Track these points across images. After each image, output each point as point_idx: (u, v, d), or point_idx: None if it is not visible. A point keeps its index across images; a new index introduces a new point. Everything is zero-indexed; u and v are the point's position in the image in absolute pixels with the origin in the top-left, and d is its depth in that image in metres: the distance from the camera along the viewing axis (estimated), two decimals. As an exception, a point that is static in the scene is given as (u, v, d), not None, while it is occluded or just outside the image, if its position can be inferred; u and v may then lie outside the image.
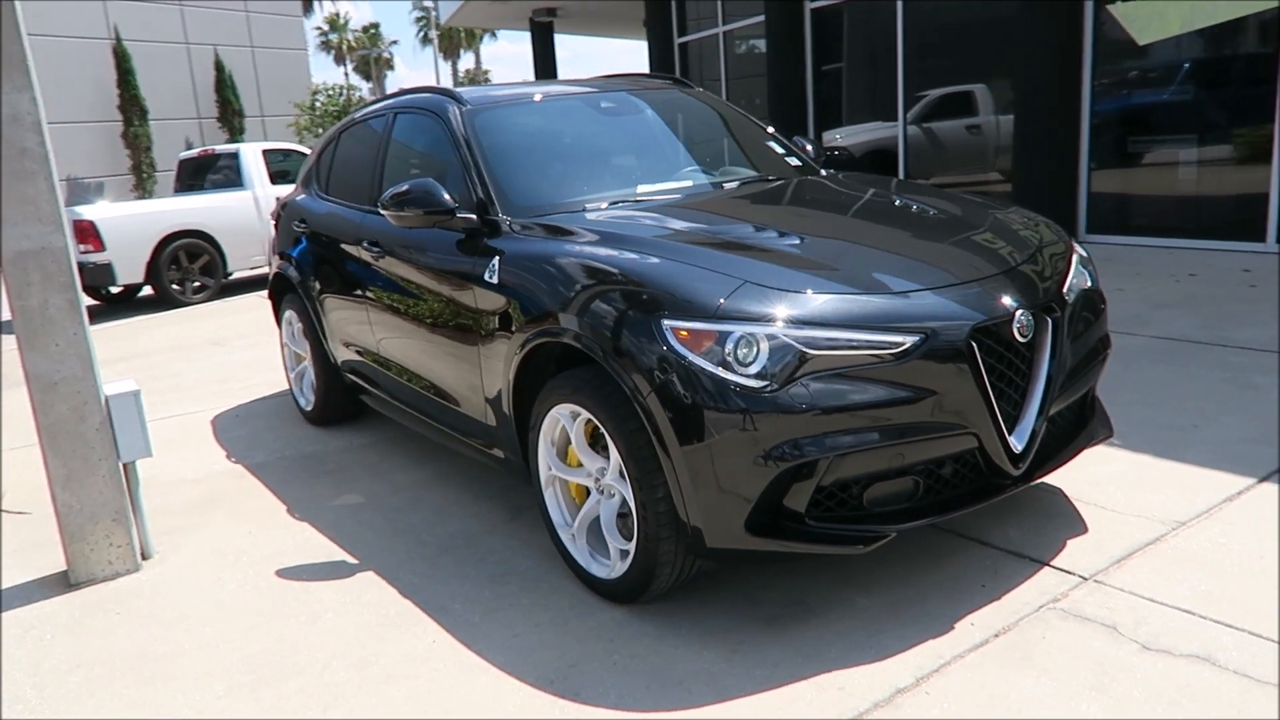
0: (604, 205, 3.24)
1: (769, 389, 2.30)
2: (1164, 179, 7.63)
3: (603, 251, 2.74)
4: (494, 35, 53.50)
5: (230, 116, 25.51)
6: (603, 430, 2.63)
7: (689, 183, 3.59)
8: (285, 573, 3.21)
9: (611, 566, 2.73)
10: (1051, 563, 2.75)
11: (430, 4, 49.35)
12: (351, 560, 3.26)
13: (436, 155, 3.70)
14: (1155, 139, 7.66)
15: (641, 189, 3.46)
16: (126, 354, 7.50)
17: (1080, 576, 2.66)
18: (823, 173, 3.92)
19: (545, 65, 23.06)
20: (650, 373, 2.39)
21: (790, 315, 2.37)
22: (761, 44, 12.16)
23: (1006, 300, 2.54)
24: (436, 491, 3.80)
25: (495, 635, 2.67)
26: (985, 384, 2.44)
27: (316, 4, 53.17)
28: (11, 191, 3.00)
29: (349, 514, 3.65)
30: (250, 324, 8.29)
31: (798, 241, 2.80)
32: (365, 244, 3.83)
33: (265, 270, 11.27)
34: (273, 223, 5.18)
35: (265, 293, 5.30)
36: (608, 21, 24.70)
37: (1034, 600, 2.57)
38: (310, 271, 4.44)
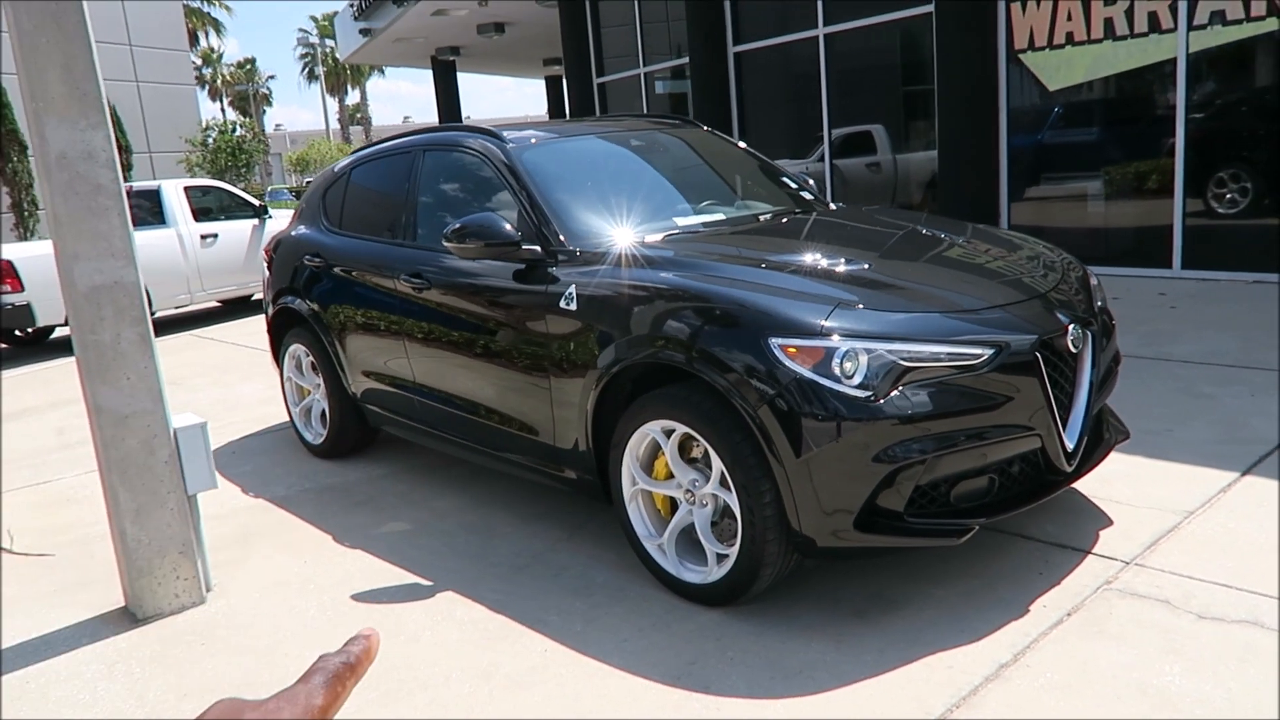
0: (659, 236, 3.46)
1: (872, 399, 2.56)
2: (1077, 211, 8.32)
3: (687, 276, 2.95)
4: (381, 72, 53.06)
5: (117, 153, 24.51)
6: (701, 443, 2.84)
7: (722, 215, 3.85)
8: (361, 597, 3.27)
9: (707, 572, 2.92)
10: (1093, 551, 3.08)
11: (316, 40, 48.72)
12: (425, 582, 3.34)
13: (480, 190, 3.85)
14: (1067, 175, 8.35)
15: (683, 220, 3.70)
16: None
17: (1122, 561, 3.00)
18: (832, 205, 4.24)
19: (448, 103, 23.14)
20: (761, 387, 2.62)
21: (884, 332, 2.63)
22: (680, 85, 12.62)
23: (1060, 315, 2.87)
24: (483, 515, 3.90)
25: (604, 642, 2.82)
26: (1048, 390, 2.76)
27: (201, 35, 51.67)
28: (86, 227, 3.01)
29: (402, 540, 3.72)
30: (199, 364, 8.10)
31: (866, 266, 3.09)
32: (403, 276, 3.93)
33: (186, 310, 11.03)
34: (266, 260, 5.18)
35: (264, 327, 5.27)
36: (509, 61, 25.00)
37: (1090, 583, 2.88)
38: (327, 305, 4.49)
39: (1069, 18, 7.80)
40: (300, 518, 4.07)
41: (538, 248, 3.37)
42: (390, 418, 4.35)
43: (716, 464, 2.79)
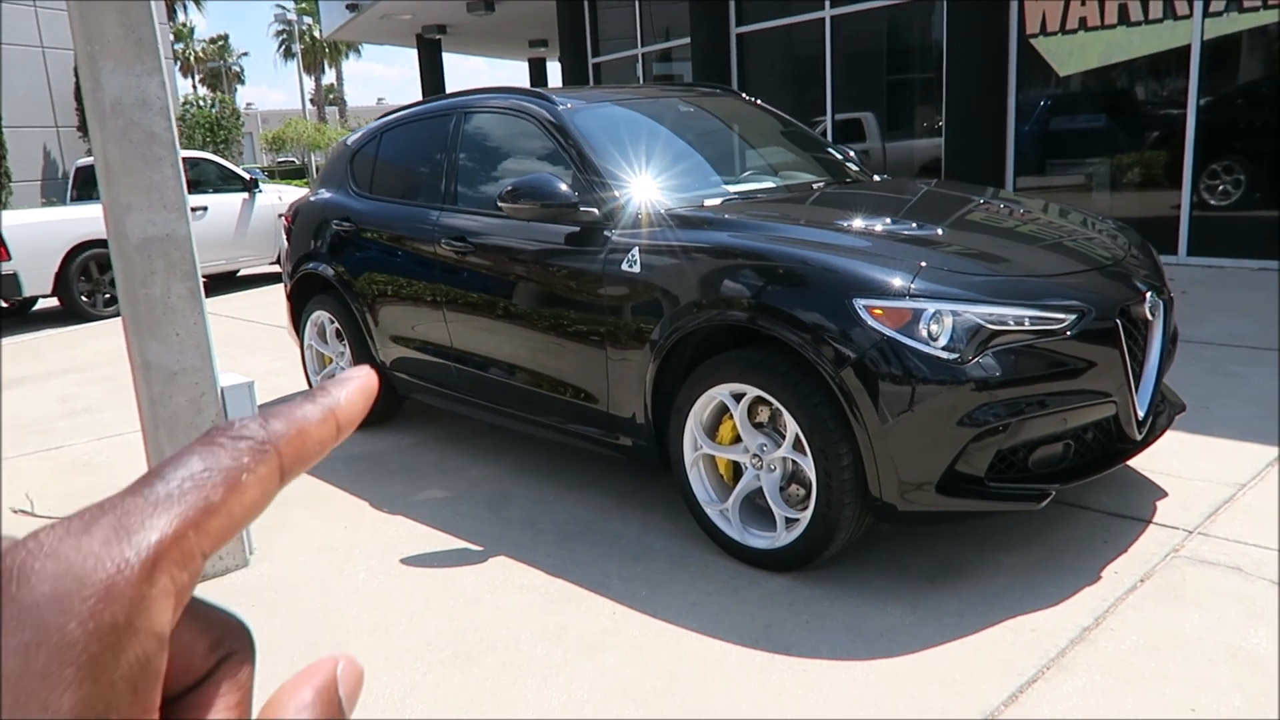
0: (718, 200, 3.40)
1: (959, 361, 2.53)
2: (1083, 197, 8.36)
3: (759, 239, 2.91)
4: (358, 53, 52.40)
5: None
6: (772, 406, 2.80)
7: (773, 183, 3.80)
8: (410, 561, 3.20)
9: (774, 538, 2.88)
10: (1154, 521, 3.08)
11: (293, 18, 48.00)
12: (475, 548, 3.28)
13: (526, 153, 3.78)
14: (1076, 161, 8.39)
15: (736, 187, 3.65)
16: (74, 365, 7.07)
17: (1185, 530, 3.00)
18: (875, 178, 4.21)
19: (433, 83, 22.89)
20: (845, 349, 2.58)
21: (970, 294, 2.61)
22: (678, 66, 12.55)
23: (1138, 283, 2.86)
24: (523, 483, 3.84)
25: (673, 605, 2.78)
26: (1126, 358, 2.74)
27: (179, 9, 50.71)
28: (139, 178, 2.91)
29: (443, 507, 3.65)
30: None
31: (939, 231, 3.06)
32: (445, 241, 3.85)
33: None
34: (285, 227, 5.07)
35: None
36: (495, 41, 24.76)
37: (1157, 551, 2.88)
38: (356, 270, 4.39)
39: (1083, 3, 7.82)
40: (333, 485, 3.99)
41: (595, 210, 3.31)
42: (421, 385, 4.27)
43: (791, 427, 2.75)
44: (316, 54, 48.42)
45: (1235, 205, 7.46)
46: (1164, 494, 3.28)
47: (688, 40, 11.60)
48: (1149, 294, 2.85)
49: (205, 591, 3.06)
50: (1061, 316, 2.64)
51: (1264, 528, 2.98)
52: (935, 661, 2.41)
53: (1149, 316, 2.84)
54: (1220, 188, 7.53)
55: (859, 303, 2.59)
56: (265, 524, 3.59)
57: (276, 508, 3.77)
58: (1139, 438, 2.87)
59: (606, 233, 3.26)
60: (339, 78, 52.85)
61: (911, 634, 2.54)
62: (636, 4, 12.72)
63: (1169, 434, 3.76)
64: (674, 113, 4.04)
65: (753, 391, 2.83)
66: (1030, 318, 2.61)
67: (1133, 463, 3.55)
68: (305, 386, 5.04)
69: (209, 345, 3.09)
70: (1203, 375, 4.62)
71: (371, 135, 4.65)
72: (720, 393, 2.92)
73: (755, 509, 3.02)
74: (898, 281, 2.61)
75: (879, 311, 2.57)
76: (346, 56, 51.26)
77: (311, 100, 53.32)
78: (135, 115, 2.87)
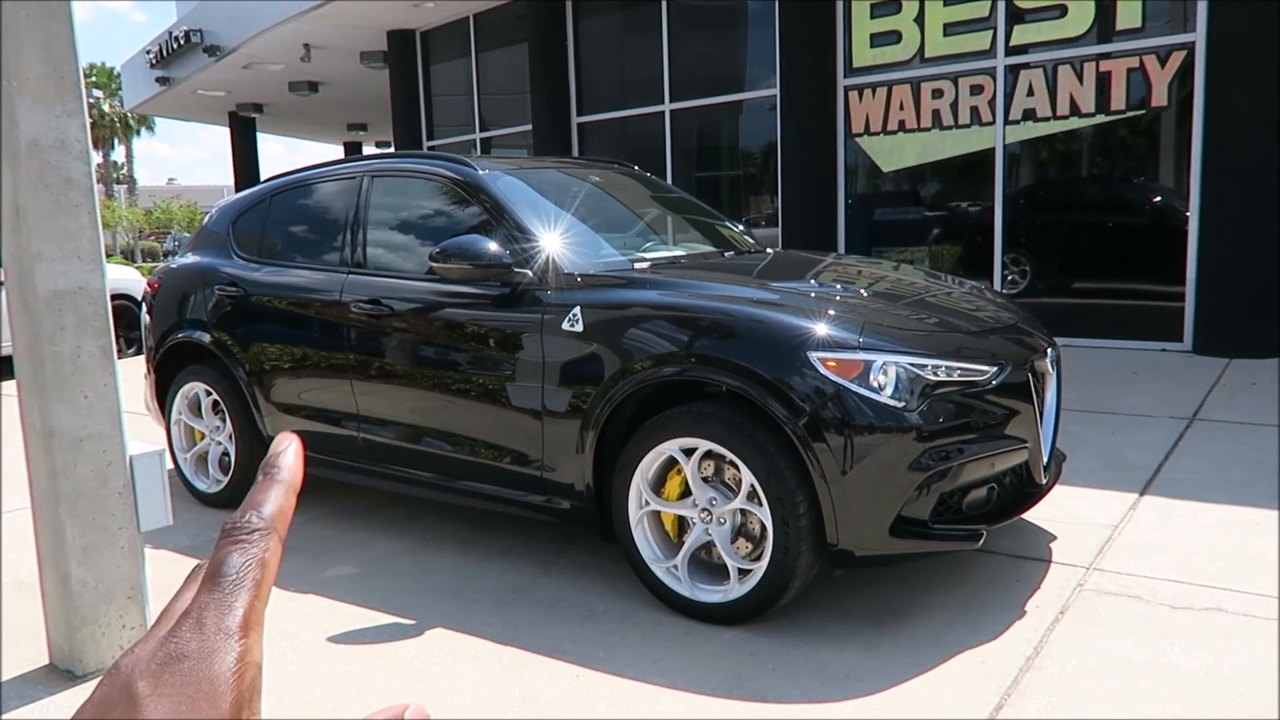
0: (645, 264, 3.51)
1: (906, 409, 2.72)
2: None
3: (707, 297, 3.02)
4: (151, 130, 49.78)
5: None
6: (722, 459, 2.89)
7: (687, 250, 3.96)
8: (339, 639, 3.01)
9: (727, 590, 2.93)
10: (1053, 560, 3.37)
11: (99, 93, 45.15)
12: (406, 621, 3.13)
13: (445, 216, 3.76)
14: (899, 249, 9.14)
15: (656, 252, 3.77)
16: None
17: (1083, 567, 3.29)
18: (768, 250, 4.46)
19: (246, 162, 22.12)
20: (802, 400, 2.71)
21: (908, 348, 2.81)
22: (522, 153, 12.78)
23: (1039, 339, 3.18)
24: (439, 554, 3.70)
25: (636, 664, 2.75)
26: (1036, 406, 3.03)
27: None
28: (53, 225, 2.69)
29: (358, 583, 3.46)
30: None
31: (863, 294, 3.28)
32: (355, 305, 3.74)
33: None
34: (148, 295, 4.75)
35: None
36: (311, 124, 24.33)
37: (1066, 586, 3.14)
38: (244, 338, 4.17)
39: (901, 107, 8.65)
40: (224, 566, 3.69)
41: (528, 271, 3.33)
42: (317, 458, 4.06)
43: (746, 478, 2.83)
44: (111, 128, 45.59)
45: (1023, 294, 8.33)
46: (1054, 536, 3.59)
47: (528, 127, 11.85)
48: (1049, 349, 3.17)
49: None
50: (985, 369, 2.89)
51: (1146, 560, 3.31)
52: (908, 697, 2.51)
53: (1049, 369, 3.15)
54: (1010, 277, 8.42)
55: (813, 355, 2.74)
56: (157, 609, 3.27)
57: (168, 591, 3.44)
58: (1044, 482, 3.15)
59: (540, 293, 3.29)
60: (129, 154, 49.89)
61: (877, 673, 2.64)
62: (475, 90, 12.90)
63: (1042, 485, 4.14)
64: (585, 181, 4.15)
65: (705, 445, 2.90)
66: (960, 369, 2.85)
67: (1018, 511, 3.87)
68: (172, 465, 4.65)
69: (119, 409, 2.84)
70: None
71: (260, 198, 4.47)
72: (670, 448, 2.97)
73: (701, 564, 3.06)
74: (847, 335, 2.78)
75: (833, 364, 2.73)
76: (138, 134, 48.52)
77: (99, 178, 49.88)
78: (52, 158, 2.66)
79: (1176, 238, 7.45)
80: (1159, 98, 7.42)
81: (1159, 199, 7.83)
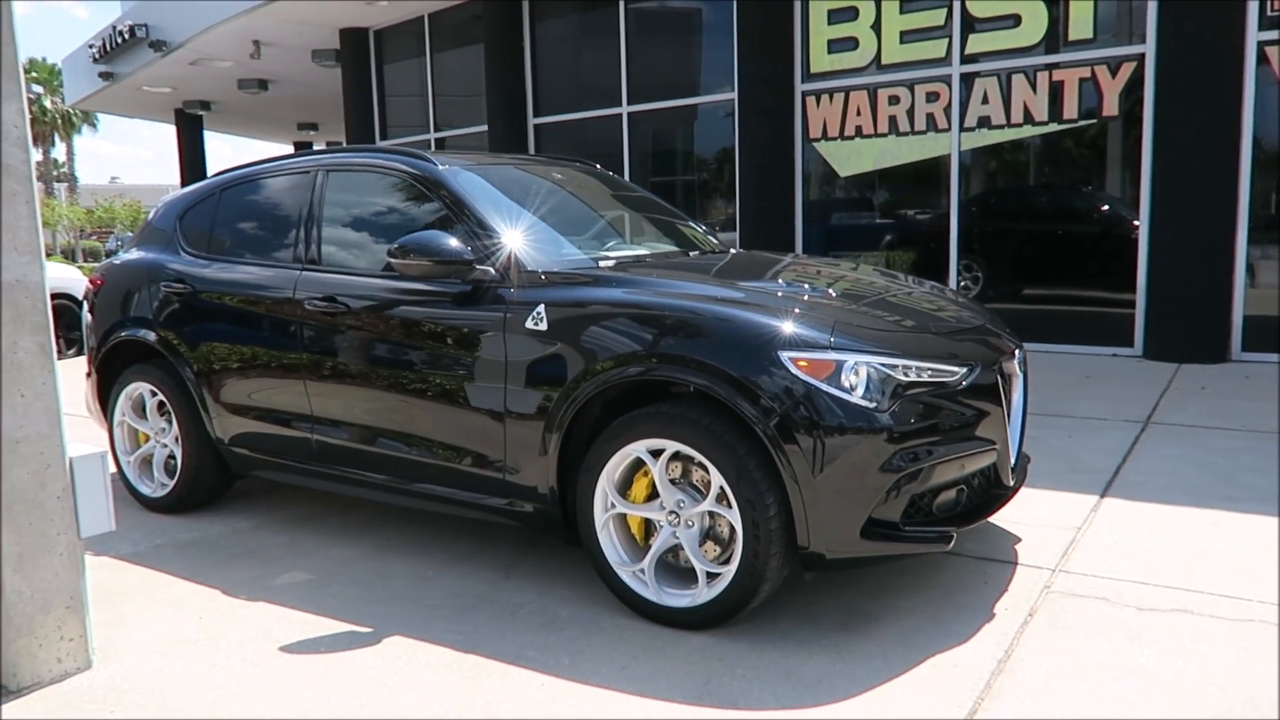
0: (610, 261, 3.44)
1: (878, 410, 2.68)
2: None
3: (676, 296, 2.96)
4: (94, 127, 48.58)
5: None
6: (690, 461, 2.83)
7: (651, 249, 3.90)
8: (292, 648, 2.89)
9: (695, 594, 2.87)
10: (1019, 562, 3.36)
11: (40, 89, 43.85)
12: (363, 629, 3.01)
13: (403, 211, 3.65)
14: (855, 254, 9.18)
15: (620, 251, 3.70)
16: None
17: (1049, 569, 3.28)
18: (731, 250, 4.41)
19: (193, 159, 21.66)
20: (773, 400, 2.66)
21: (879, 348, 2.78)
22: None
23: (1007, 341, 3.16)
24: (395, 560, 3.59)
25: (602, 671, 2.68)
26: (1004, 408, 3.01)
27: None
28: (-13, 213, 2.54)
29: (311, 590, 3.34)
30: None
31: (832, 294, 3.24)
32: (309, 302, 3.62)
33: None
34: (91, 290, 4.57)
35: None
36: (260, 122, 23.88)
37: (1033, 588, 3.13)
38: (192, 337, 4.01)
39: (858, 113, 8.69)
40: (169, 574, 3.54)
41: (490, 268, 3.24)
42: (269, 460, 3.92)
43: (716, 480, 2.77)
44: (49, 124, 44.31)
45: (976, 299, 8.40)
46: (1018, 539, 3.59)
47: (484, 128, 11.72)
48: (1016, 351, 3.16)
49: (42, 698, 2.61)
50: (955, 369, 2.87)
51: (1110, 562, 3.32)
52: (881, 701, 2.47)
53: (1017, 370, 3.14)
54: (963, 283, 8.50)
55: (784, 355, 2.69)
56: (101, 619, 3.12)
57: (109, 600, 3.30)
58: (1011, 484, 3.14)
59: (502, 291, 3.20)
60: (70, 152, 48.61)
61: (848, 678, 2.59)
62: (430, 90, 12.74)
63: (1004, 487, 4.14)
64: (547, 179, 4.07)
65: (673, 446, 2.84)
66: (930, 370, 2.82)
67: (982, 513, 3.86)
68: (115, 469, 4.46)
69: (58, 409, 2.69)
70: (1007, 438, 5.12)
71: (208, 193, 4.32)
72: (637, 449, 2.90)
73: (668, 568, 2.99)
74: (819, 335, 2.74)
75: (804, 364, 2.68)
76: (79, 131, 47.30)
77: (39, 175, 48.40)
78: (-13, 145, 2.52)
79: (1127, 245, 7.58)
80: (1110, 107, 7.55)
81: (1110, 207, 7.96)
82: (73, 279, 9.49)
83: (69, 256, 37.65)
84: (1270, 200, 7.11)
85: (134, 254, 4.48)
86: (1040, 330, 7.88)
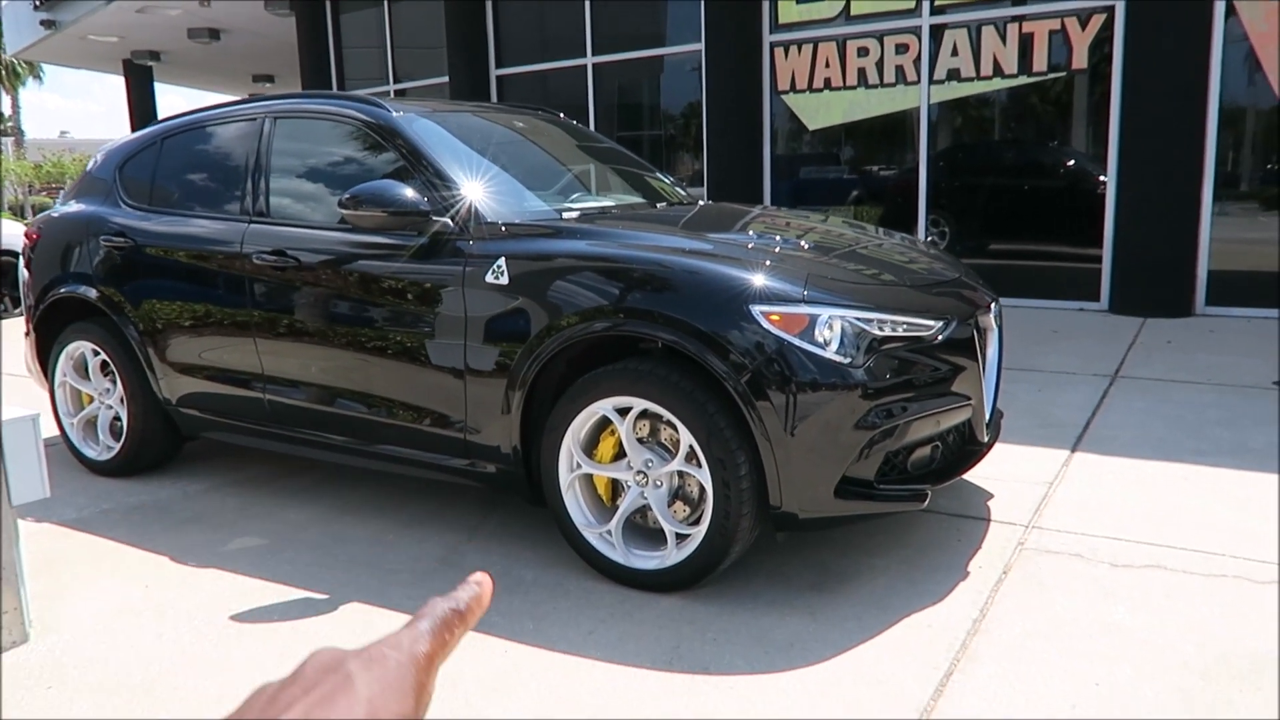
0: (574, 213, 3.30)
1: (852, 365, 2.59)
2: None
3: (642, 248, 2.83)
4: (40, 79, 46.89)
5: None
6: (658, 419, 2.73)
7: (617, 200, 3.75)
8: (245, 617, 2.77)
9: (664, 556, 2.78)
10: (993, 519, 3.31)
11: None
12: (319, 596, 2.90)
13: (357, 161, 3.48)
14: (824, 208, 9.06)
15: (585, 202, 3.56)
16: None
17: (1022, 525, 3.24)
18: (699, 202, 4.28)
19: (143, 113, 20.96)
20: (744, 356, 2.55)
21: (853, 301, 2.68)
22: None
23: (983, 294, 3.08)
24: (353, 524, 3.46)
25: (568, 636, 2.59)
26: (979, 363, 2.93)
27: None
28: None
29: (265, 556, 3.21)
30: None
31: (804, 245, 3.13)
32: (257, 256, 3.44)
33: None
34: (26, 247, 4.35)
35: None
36: (213, 73, 23.13)
37: (1007, 545, 3.08)
38: (136, 293, 3.82)
39: (827, 65, 8.53)
40: (114, 540, 3.40)
41: (448, 219, 3.09)
42: (219, 421, 3.76)
43: (685, 439, 2.67)
44: (-5, 75, 42.70)
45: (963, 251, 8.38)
46: (990, 495, 3.54)
47: (445, 79, 11.40)
48: (992, 304, 3.08)
49: (-24, 675, 2.48)
50: (930, 323, 2.78)
51: (1083, 518, 3.28)
52: (853, 664, 2.40)
53: (993, 324, 3.06)
54: (930, 238, 8.44)
55: (756, 309, 2.58)
56: (40, 590, 2.97)
57: (49, 569, 3.15)
58: (985, 440, 3.07)
59: (461, 244, 3.05)
60: (15, 105, 46.89)
61: (821, 640, 2.52)
62: (389, 41, 12.36)
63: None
64: (508, 128, 3.90)
65: (640, 404, 2.73)
66: (906, 324, 2.72)
67: (953, 470, 3.81)
68: (56, 430, 4.27)
69: (-16, 369, 2.52)
70: (977, 394, 5.08)
71: (149, 141, 4.09)
72: (603, 407, 2.79)
73: (635, 529, 2.90)
74: (792, 288, 2.63)
75: (776, 318, 2.57)
76: (25, 83, 45.62)
77: (-21, 129, 46.77)
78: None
79: (1094, 200, 7.53)
80: (1079, 60, 7.45)
81: (1077, 162, 7.90)
82: (19, 235, 9.15)
83: (18, 213, 36.56)
84: (1236, 156, 7.09)
85: (72, 206, 4.25)
86: (1007, 284, 7.82)
